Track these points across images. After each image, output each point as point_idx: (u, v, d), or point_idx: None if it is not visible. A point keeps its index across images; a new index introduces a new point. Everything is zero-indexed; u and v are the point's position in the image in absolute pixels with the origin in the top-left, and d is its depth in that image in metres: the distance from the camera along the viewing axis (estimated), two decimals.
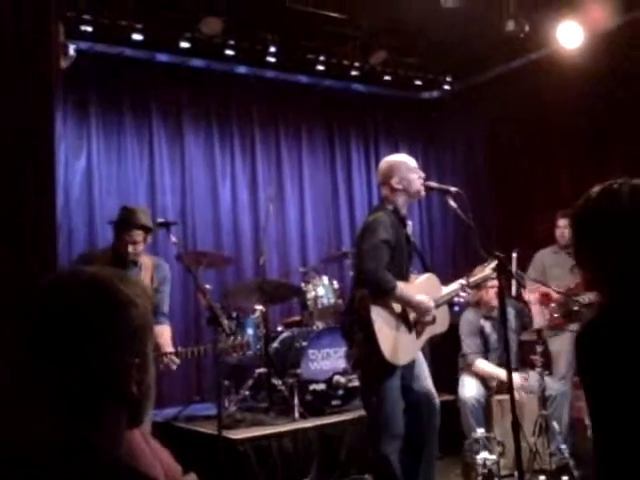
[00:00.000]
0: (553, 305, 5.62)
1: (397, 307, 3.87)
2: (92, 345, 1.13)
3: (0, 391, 1.21)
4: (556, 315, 5.62)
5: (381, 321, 3.78)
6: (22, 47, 2.83)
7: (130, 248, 4.30)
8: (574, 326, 5.41)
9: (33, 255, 2.80)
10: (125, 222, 4.33)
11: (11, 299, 2.59)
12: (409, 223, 4.14)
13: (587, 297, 5.38)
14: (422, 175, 4.04)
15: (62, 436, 1.10)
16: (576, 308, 5.49)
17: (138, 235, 4.31)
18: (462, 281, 4.13)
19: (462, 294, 4.15)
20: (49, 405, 1.13)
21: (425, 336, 3.97)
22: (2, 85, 2.79)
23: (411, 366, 3.99)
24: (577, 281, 5.54)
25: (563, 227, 5.72)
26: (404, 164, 4.04)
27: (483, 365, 5.20)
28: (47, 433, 1.10)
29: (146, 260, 4.46)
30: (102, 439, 1.14)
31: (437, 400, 4.06)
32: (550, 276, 5.73)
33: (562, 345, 5.59)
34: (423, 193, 4.07)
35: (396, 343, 3.80)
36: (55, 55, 3.15)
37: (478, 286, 4.54)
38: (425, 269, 4.30)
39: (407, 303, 3.85)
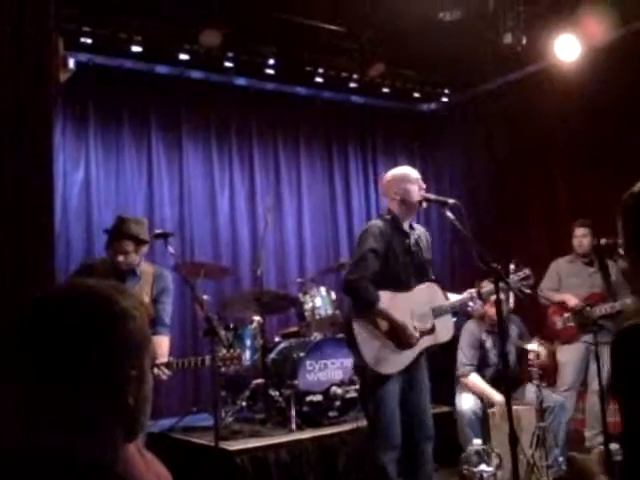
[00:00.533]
0: (567, 315, 5.61)
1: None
2: (90, 357, 1.14)
3: None
4: (570, 325, 5.61)
5: (364, 331, 3.83)
6: (22, 60, 2.84)
7: (120, 258, 4.25)
8: (587, 337, 5.40)
9: (31, 266, 2.80)
10: (115, 232, 4.31)
11: (9, 309, 2.60)
12: (415, 233, 4.15)
13: (603, 308, 5.39)
14: (423, 186, 4.08)
15: (58, 449, 1.10)
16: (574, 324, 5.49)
17: (128, 245, 4.26)
18: (472, 291, 4.13)
19: (471, 304, 4.13)
20: (46, 417, 1.13)
21: (421, 346, 3.96)
22: (2, 97, 2.80)
23: (415, 382, 3.99)
24: (593, 291, 5.56)
25: (581, 236, 5.75)
26: (404, 175, 4.11)
27: (476, 380, 5.19)
28: (43, 446, 1.10)
29: (147, 269, 4.42)
30: (99, 452, 1.14)
31: (431, 427, 4.02)
32: (567, 286, 5.74)
33: (571, 356, 5.60)
34: (424, 204, 4.11)
35: (382, 353, 3.82)
36: (55, 68, 3.16)
37: (486, 299, 4.54)
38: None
39: (388, 320, 3.86)
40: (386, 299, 3.86)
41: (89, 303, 1.18)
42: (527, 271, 4.19)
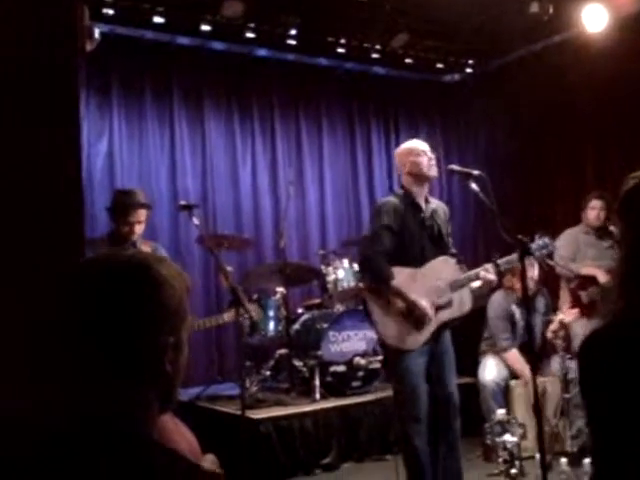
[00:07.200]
0: (593, 289, 5.42)
1: None
2: (130, 323, 1.15)
3: (34, 373, 1.23)
4: (597, 299, 5.42)
5: (380, 307, 3.86)
6: (46, 30, 2.84)
7: (137, 228, 4.54)
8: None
9: (60, 239, 2.83)
10: (130, 204, 4.56)
11: (40, 283, 2.63)
12: (431, 207, 4.12)
13: None
14: (432, 157, 4.07)
15: (97, 418, 1.11)
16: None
17: (143, 214, 4.58)
18: (487, 266, 4.09)
19: (488, 276, 4.03)
20: (84, 386, 1.15)
21: (440, 320, 3.92)
22: (27, 67, 2.81)
23: (442, 359, 3.97)
24: (613, 266, 5.43)
25: (599, 208, 5.58)
26: (410, 148, 4.12)
27: (517, 357, 5.14)
28: (82, 415, 1.12)
29: (144, 246, 4.60)
30: (137, 421, 1.15)
31: (457, 401, 3.98)
32: (585, 256, 5.59)
33: (585, 328, 5.52)
34: (434, 174, 4.10)
35: (400, 328, 3.82)
36: (80, 37, 3.16)
37: (511, 271, 4.49)
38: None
39: (402, 298, 3.83)
40: (402, 275, 3.85)
41: (129, 271, 1.19)
42: (546, 239, 4.08)
